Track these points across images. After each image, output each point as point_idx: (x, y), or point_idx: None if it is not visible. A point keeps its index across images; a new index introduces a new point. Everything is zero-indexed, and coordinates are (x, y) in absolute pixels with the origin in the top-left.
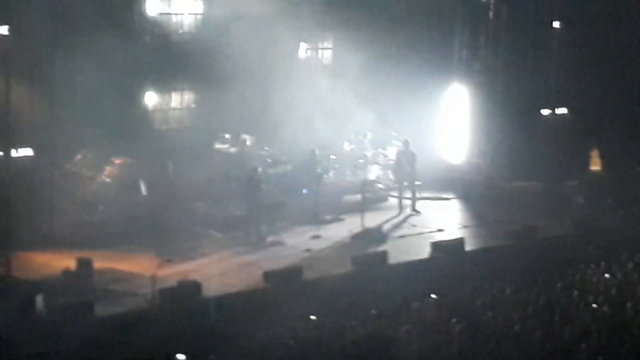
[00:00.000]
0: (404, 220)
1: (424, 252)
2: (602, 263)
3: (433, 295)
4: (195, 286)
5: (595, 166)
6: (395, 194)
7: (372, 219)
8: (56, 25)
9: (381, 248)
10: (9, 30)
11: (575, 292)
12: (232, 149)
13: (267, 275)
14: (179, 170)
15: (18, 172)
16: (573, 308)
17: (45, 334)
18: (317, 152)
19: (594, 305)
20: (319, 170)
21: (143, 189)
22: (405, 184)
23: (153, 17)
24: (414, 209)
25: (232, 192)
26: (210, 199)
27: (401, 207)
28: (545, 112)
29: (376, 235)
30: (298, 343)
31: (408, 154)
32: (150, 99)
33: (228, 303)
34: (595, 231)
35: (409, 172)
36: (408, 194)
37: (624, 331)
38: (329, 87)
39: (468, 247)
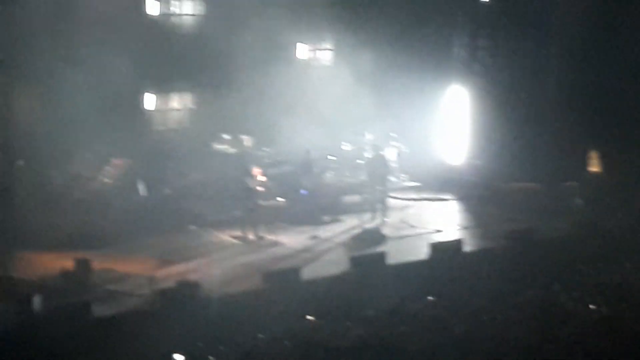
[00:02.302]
0: (403, 221)
1: (423, 253)
2: (600, 264)
3: (430, 297)
4: (194, 286)
5: (595, 167)
6: (394, 195)
7: (370, 220)
8: (59, 25)
9: (380, 249)
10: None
11: (574, 294)
12: (231, 150)
13: (265, 276)
14: (178, 171)
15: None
16: (571, 309)
17: (42, 335)
18: (311, 152)
19: (592, 307)
20: (315, 170)
21: (142, 189)
22: (379, 188)
23: (153, 17)
24: (382, 215)
25: (231, 192)
26: (208, 199)
27: (374, 212)
28: (544, 113)
29: (375, 236)
30: (295, 344)
31: (379, 159)
32: (150, 99)
33: (226, 303)
34: (594, 232)
35: (380, 177)
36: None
37: (622, 332)
38: (328, 87)
39: (466, 248)
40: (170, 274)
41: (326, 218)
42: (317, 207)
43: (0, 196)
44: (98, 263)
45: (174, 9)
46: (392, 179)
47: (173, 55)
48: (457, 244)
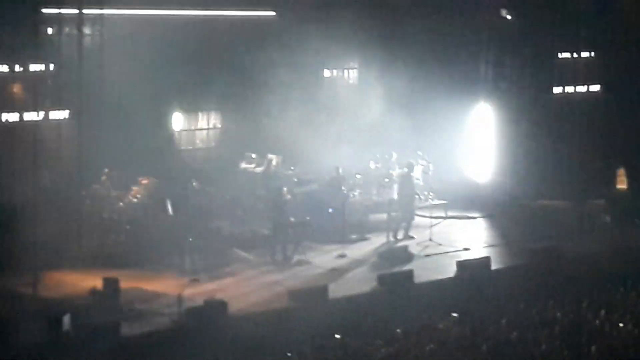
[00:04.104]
0: (430, 239)
1: (450, 271)
2: (629, 281)
3: (454, 314)
4: (222, 305)
5: (622, 185)
6: (421, 213)
7: (397, 238)
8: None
9: (407, 267)
10: None
11: (602, 311)
12: (258, 169)
13: (293, 294)
14: (205, 190)
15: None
16: (599, 327)
17: (72, 354)
18: (340, 170)
19: (621, 325)
20: (343, 189)
21: (169, 208)
22: (406, 207)
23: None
24: (407, 234)
25: (259, 211)
26: (236, 218)
27: (401, 231)
28: (571, 130)
29: (402, 254)
30: None
31: (406, 177)
32: (177, 119)
33: (254, 322)
34: (622, 250)
35: (407, 196)
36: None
37: None
38: (355, 106)
39: (494, 266)
40: (198, 293)
41: (354, 236)
42: (344, 226)
43: (27, 215)
44: (126, 282)
45: None
46: (419, 197)
47: (201, 74)
48: (484, 261)
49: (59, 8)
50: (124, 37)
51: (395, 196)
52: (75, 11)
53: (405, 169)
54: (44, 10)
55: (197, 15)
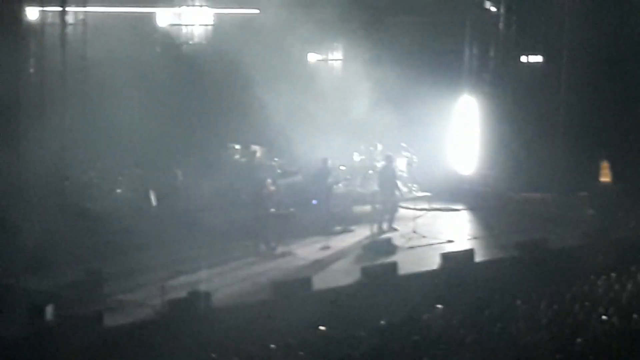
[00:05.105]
0: (414, 232)
1: (434, 263)
2: (613, 274)
3: (439, 306)
4: (205, 296)
5: (606, 177)
6: (405, 205)
7: (381, 230)
8: None
9: (391, 259)
10: None
11: (585, 304)
12: (242, 160)
13: (276, 286)
14: (189, 181)
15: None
16: (584, 319)
17: (54, 344)
18: (329, 162)
19: (604, 317)
20: (329, 180)
21: (153, 199)
22: (389, 199)
23: (164, 28)
24: (391, 226)
25: (242, 202)
26: (219, 209)
27: (385, 223)
28: (555, 123)
29: (386, 246)
30: (307, 354)
31: (390, 169)
32: (161, 109)
33: (238, 313)
34: (606, 242)
35: (391, 188)
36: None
37: (634, 343)
38: (339, 97)
39: (478, 258)
40: (181, 284)
41: (338, 228)
42: (328, 217)
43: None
44: (109, 273)
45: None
46: (403, 189)
47: (183, 66)
48: (468, 254)
49: None
50: None
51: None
52: None
53: (384, 162)
54: None
55: None
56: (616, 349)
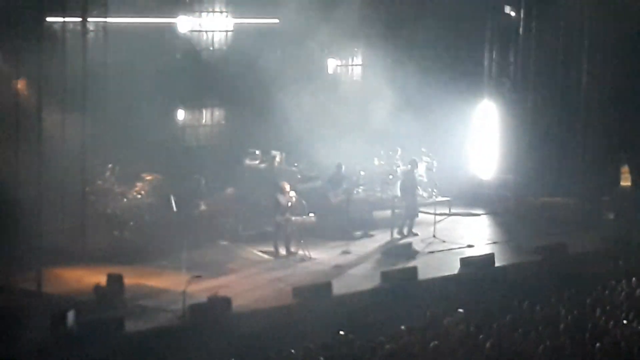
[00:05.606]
0: (434, 236)
1: (454, 268)
2: (633, 279)
3: (460, 310)
4: (225, 302)
5: (626, 182)
6: (425, 210)
7: (401, 235)
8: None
9: (411, 264)
10: None
11: (606, 308)
12: (262, 165)
13: (297, 291)
14: (210, 187)
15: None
16: (604, 324)
17: (76, 350)
18: (343, 167)
19: (625, 322)
20: (344, 186)
21: (174, 205)
22: (410, 204)
23: (184, 34)
24: (411, 231)
25: (262, 207)
26: (240, 214)
27: (405, 228)
28: (575, 127)
29: (406, 251)
30: (327, 358)
31: (410, 174)
32: (181, 115)
33: (258, 318)
34: (626, 247)
35: (411, 192)
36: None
37: None
38: (359, 103)
39: (498, 263)
40: (201, 290)
41: (358, 233)
42: (348, 222)
43: (32, 211)
44: (130, 278)
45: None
46: (423, 194)
47: (203, 72)
48: (488, 258)
49: None
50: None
51: (399, 193)
52: None
53: (409, 166)
54: None
55: None
56: (637, 353)
